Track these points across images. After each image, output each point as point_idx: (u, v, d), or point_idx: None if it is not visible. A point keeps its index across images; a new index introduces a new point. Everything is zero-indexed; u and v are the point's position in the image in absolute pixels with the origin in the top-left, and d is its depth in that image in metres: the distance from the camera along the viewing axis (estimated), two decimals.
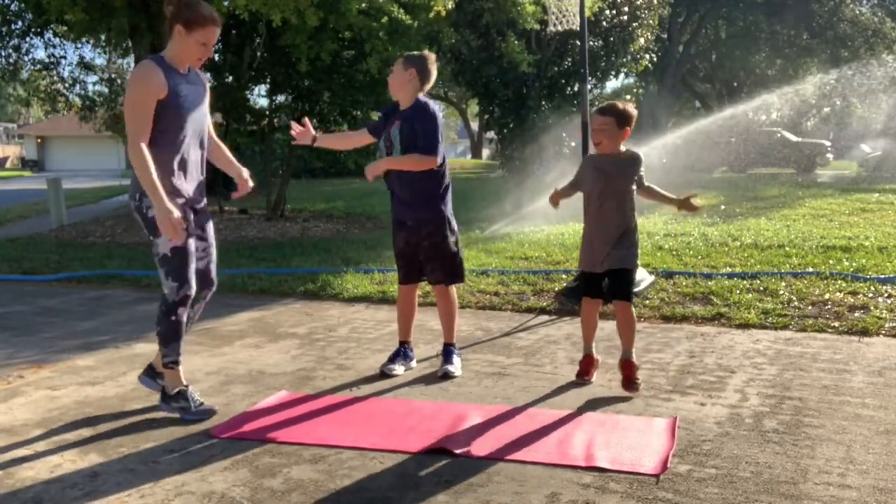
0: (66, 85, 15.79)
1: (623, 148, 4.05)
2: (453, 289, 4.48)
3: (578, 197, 4.18)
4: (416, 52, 4.39)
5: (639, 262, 4.26)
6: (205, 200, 3.85)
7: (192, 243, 3.65)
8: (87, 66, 16.38)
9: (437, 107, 4.34)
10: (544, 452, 3.19)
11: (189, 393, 3.74)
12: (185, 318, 3.71)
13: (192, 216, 3.68)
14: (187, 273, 3.63)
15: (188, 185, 3.66)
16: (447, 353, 4.44)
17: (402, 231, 4.39)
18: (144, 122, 3.46)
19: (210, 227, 3.85)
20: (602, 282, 4.10)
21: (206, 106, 3.76)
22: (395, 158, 4.22)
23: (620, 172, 4.02)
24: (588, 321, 4.23)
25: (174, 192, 3.57)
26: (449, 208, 4.37)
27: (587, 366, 4.22)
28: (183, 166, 3.62)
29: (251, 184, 3.93)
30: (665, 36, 29.22)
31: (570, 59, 12.52)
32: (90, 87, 16.39)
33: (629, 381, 3.99)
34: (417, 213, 4.29)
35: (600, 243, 4.03)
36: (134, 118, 3.46)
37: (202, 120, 3.71)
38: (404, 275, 4.49)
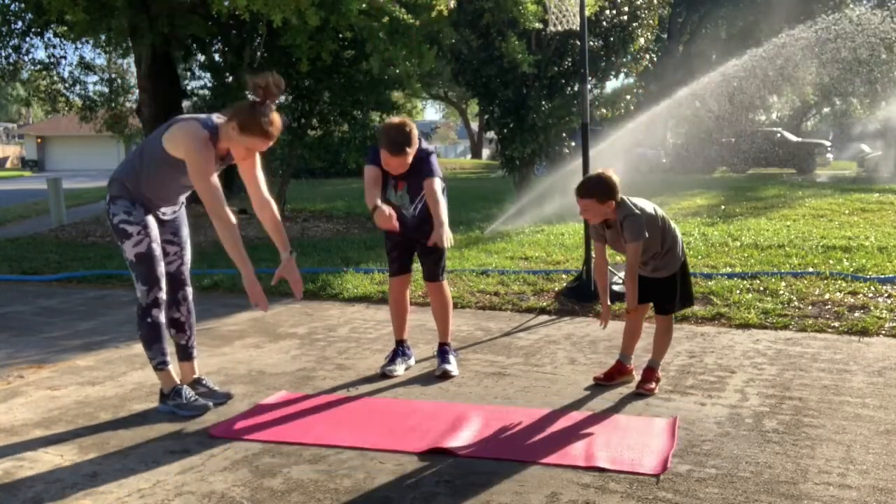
0: (66, 85, 15.74)
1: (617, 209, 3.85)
2: (447, 286, 4.47)
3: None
4: (397, 134, 4.03)
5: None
6: (178, 211, 3.93)
7: (157, 248, 3.74)
8: (87, 66, 16.34)
9: (426, 144, 4.24)
10: (544, 452, 3.19)
11: (183, 390, 3.80)
12: (161, 320, 3.78)
13: (155, 224, 3.77)
14: (155, 276, 3.72)
15: (160, 206, 3.79)
16: (443, 353, 4.44)
17: (402, 227, 4.35)
18: (218, 189, 3.58)
19: (184, 231, 3.96)
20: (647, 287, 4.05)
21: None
22: (436, 212, 4.10)
23: (614, 236, 3.97)
24: (627, 327, 4.24)
25: (141, 201, 3.71)
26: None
27: (612, 371, 4.17)
28: (158, 201, 3.76)
29: (297, 272, 3.93)
30: (665, 36, 29.19)
31: (570, 59, 12.49)
32: (90, 87, 16.34)
33: (640, 385, 4.00)
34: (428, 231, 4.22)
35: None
36: (206, 186, 3.55)
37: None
38: (398, 267, 4.45)
